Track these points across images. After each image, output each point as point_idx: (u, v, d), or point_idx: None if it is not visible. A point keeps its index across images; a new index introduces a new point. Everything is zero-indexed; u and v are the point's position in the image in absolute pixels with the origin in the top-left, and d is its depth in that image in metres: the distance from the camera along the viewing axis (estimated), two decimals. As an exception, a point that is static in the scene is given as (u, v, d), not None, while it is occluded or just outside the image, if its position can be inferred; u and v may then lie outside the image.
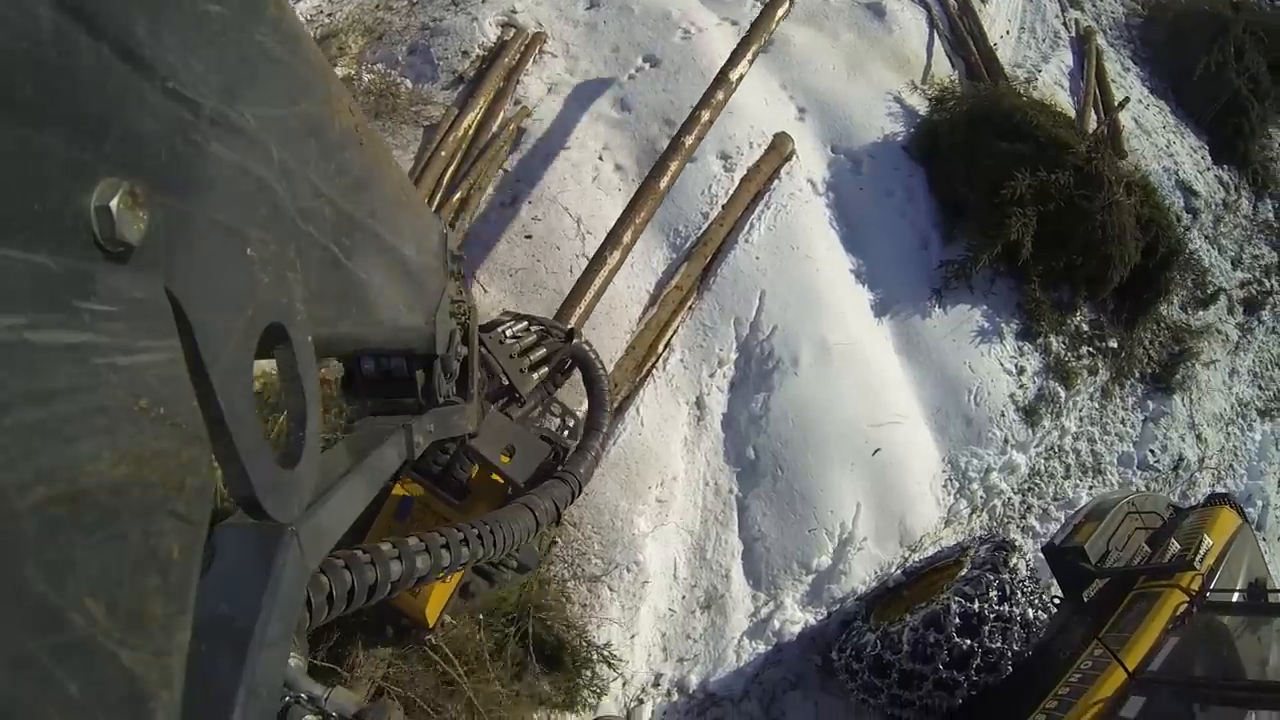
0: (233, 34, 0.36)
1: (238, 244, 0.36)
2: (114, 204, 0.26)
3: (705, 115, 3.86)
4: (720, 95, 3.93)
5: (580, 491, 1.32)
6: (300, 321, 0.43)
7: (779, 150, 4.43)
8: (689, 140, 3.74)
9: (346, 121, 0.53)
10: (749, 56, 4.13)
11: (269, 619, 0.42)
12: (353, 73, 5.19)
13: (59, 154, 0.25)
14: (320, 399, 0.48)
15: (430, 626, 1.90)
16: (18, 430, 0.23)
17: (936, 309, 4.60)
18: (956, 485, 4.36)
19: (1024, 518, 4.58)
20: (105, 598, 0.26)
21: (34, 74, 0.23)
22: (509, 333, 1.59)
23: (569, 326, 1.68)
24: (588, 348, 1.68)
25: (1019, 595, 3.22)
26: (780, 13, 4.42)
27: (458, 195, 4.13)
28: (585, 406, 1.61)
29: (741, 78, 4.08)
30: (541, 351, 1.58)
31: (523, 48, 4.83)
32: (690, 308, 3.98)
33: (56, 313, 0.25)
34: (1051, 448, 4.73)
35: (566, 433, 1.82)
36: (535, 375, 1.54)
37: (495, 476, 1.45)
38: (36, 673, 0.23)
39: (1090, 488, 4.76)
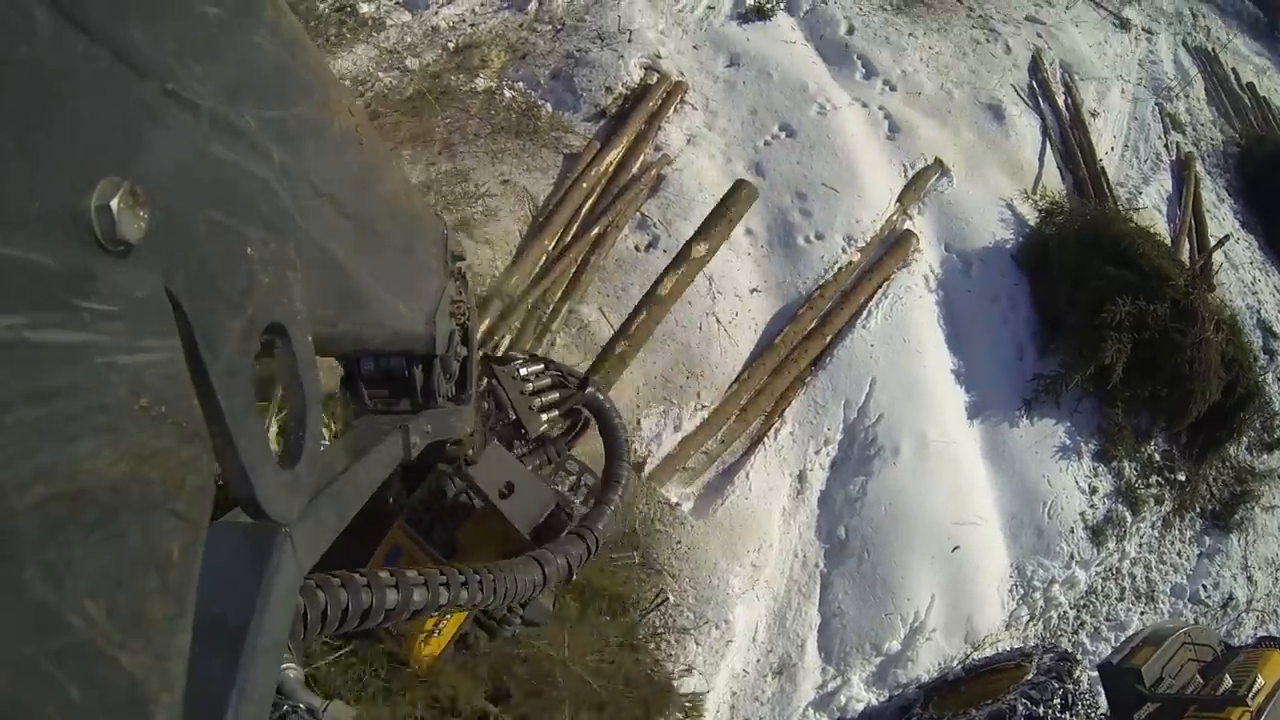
0: (231, 36, 0.37)
1: (238, 244, 0.36)
2: (114, 203, 0.26)
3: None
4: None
5: (597, 549, 1.26)
6: (300, 321, 0.43)
7: (904, 247, 4.58)
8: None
9: (346, 122, 0.53)
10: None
11: (263, 620, 0.42)
12: (494, 86, 5.34)
13: (59, 154, 0.25)
14: (321, 399, 0.48)
15: (421, 671, 1.89)
16: (18, 429, 0.23)
17: (1024, 420, 4.72)
18: (1021, 591, 4.48)
19: (1076, 633, 4.70)
20: (105, 599, 0.26)
21: (32, 76, 0.24)
22: (523, 371, 1.54)
23: (584, 373, 1.63)
24: (603, 396, 1.62)
25: (1079, 706, 3.36)
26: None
27: (595, 231, 4.25)
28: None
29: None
30: (554, 396, 1.54)
31: (665, 94, 4.96)
32: (806, 383, 4.10)
33: (56, 312, 0.25)
34: (1111, 569, 4.85)
35: (583, 491, 1.73)
36: (545, 417, 1.51)
37: (485, 526, 1.39)
38: (36, 676, 0.23)
39: (1141, 613, 4.87)
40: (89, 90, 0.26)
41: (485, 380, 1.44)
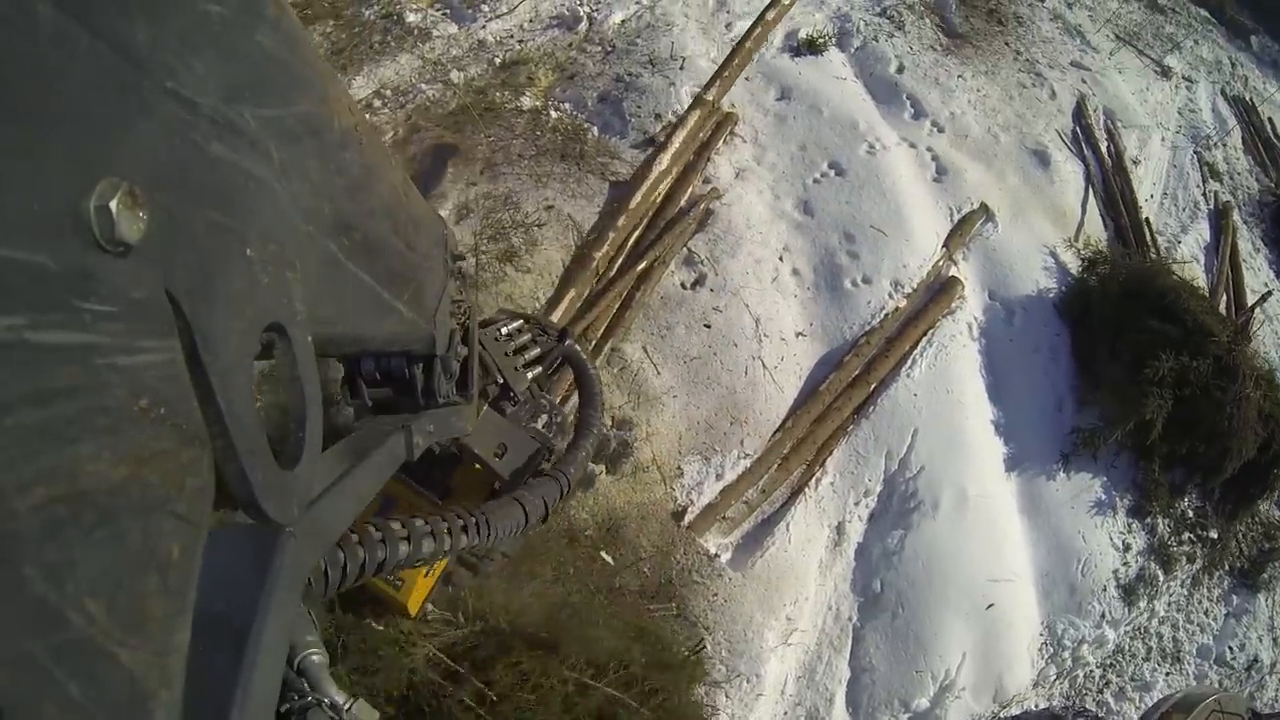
0: (232, 34, 0.37)
1: (237, 244, 0.36)
2: (113, 204, 0.26)
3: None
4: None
5: (571, 490, 1.31)
6: (300, 321, 0.43)
7: (949, 294, 4.52)
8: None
9: (346, 121, 0.53)
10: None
11: (265, 620, 0.42)
12: (540, 105, 5.29)
13: (59, 154, 0.25)
14: (321, 399, 0.48)
15: (412, 615, 1.93)
16: (18, 431, 0.23)
17: (1061, 473, 4.67)
18: (1050, 650, 4.43)
19: (1101, 692, 4.64)
20: (105, 598, 0.26)
21: (34, 74, 0.24)
22: (504, 330, 1.59)
23: (562, 326, 1.70)
24: (579, 348, 1.68)
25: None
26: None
27: (642, 265, 4.20)
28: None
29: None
30: (535, 351, 1.59)
31: (715, 125, 4.91)
32: (849, 432, 4.05)
33: (56, 313, 0.25)
34: (1139, 628, 4.80)
35: (554, 429, 1.78)
36: (529, 374, 1.55)
37: (476, 469, 1.44)
38: (36, 673, 0.23)
39: (1167, 674, 4.82)
40: (90, 88, 0.26)
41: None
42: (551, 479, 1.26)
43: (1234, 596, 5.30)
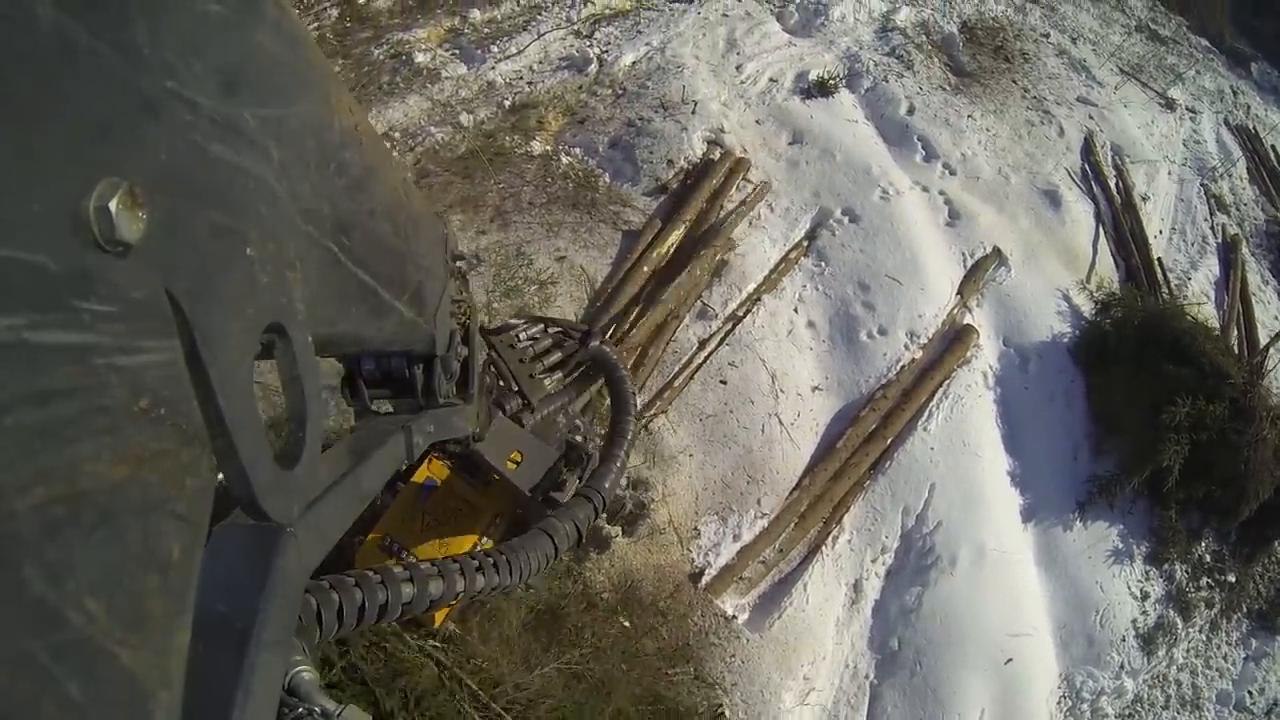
0: (233, 34, 0.37)
1: (237, 244, 0.36)
2: (113, 204, 0.26)
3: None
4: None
5: (605, 508, 1.27)
6: (300, 321, 0.43)
7: (964, 343, 4.50)
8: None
9: (346, 121, 0.53)
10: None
11: (267, 620, 0.42)
12: (550, 150, 5.29)
13: (59, 154, 0.25)
14: (321, 399, 0.48)
15: (435, 628, 1.91)
16: (17, 431, 0.23)
17: (1078, 523, 4.64)
18: (1069, 703, 4.38)
19: (1120, 743, 4.60)
20: (105, 597, 0.26)
21: (33, 74, 0.24)
22: (523, 336, 1.56)
23: (586, 327, 1.64)
24: (608, 349, 1.63)
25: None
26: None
27: (655, 319, 4.18)
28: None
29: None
30: (557, 355, 1.55)
31: (727, 172, 4.90)
32: (865, 489, 4.02)
33: (56, 313, 0.25)
34: (1158, 676, 4.75)
35: (591, 436, 1.74)
36: (547, 380, 1.51)
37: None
38: (35, 672, 0.23)
39: (1185, 723, 4.78)
40: (89, 88, 0.26)
41: (485, 352, 1.43)
42: (584, 498, 1.23)
43: (1253, 639, 5.25)
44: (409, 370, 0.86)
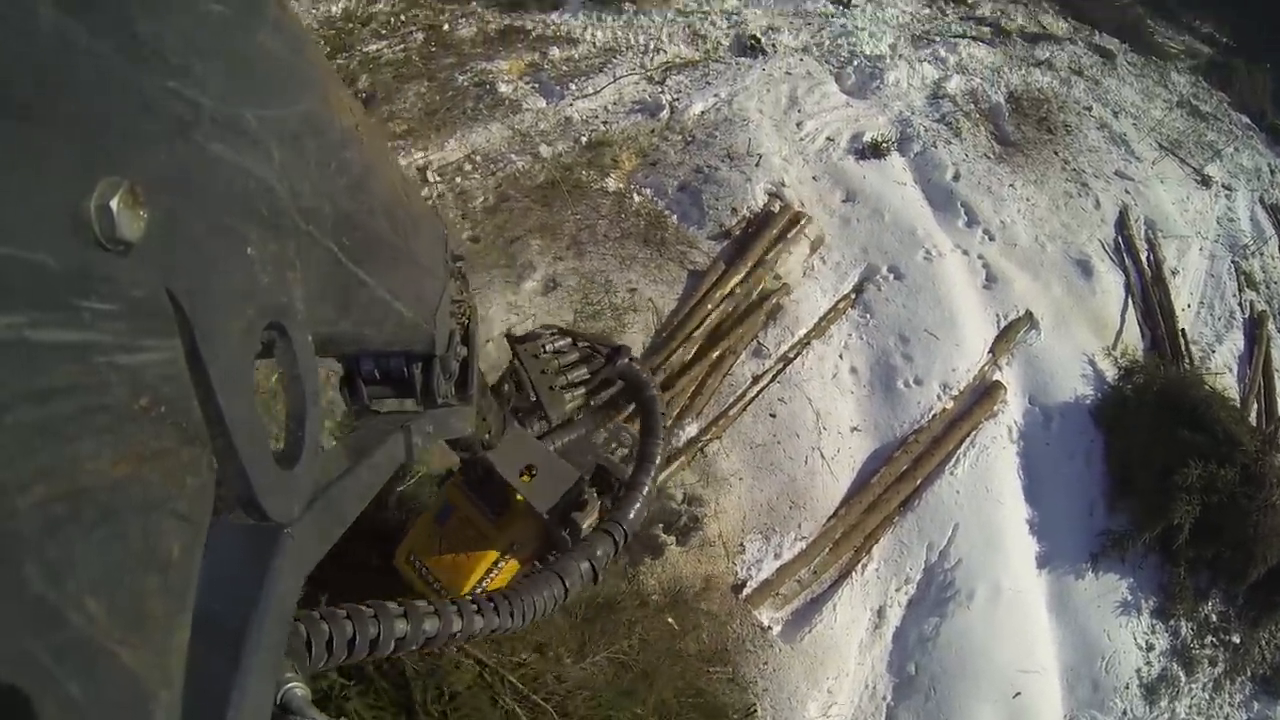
0: (234, 34, 0.37)
1: (238, 243, 0.37)
2: (114, 203, 0.26)
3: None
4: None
5: (627, 541, 1.21)
6: (300, 321, 0.44)
7: (992, 398, 4.90)
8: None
9: (347, 121, 0.54)
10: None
11: (264, 621, 0.43)
12: (623, 188, 5.76)
13: (59, 154, 0.25)
14: (321, 399, 0.49)
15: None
16: (17, 429, 0.23)
17: (1090, 573, 4.98)
18: (1072, 742, 4.71)
19: (1119, 787, 4.90)
20: (105, 597, 0.27)
21: (34, 73, 0.24)
22: (549, 348, 1.47)
23: (617, 344, 1.55)
24: (638, 366, 1.53)
25: None
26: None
27: (715, 353, 4.63)
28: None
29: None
30: (583, 371, 1.47)
31: (787, 223, 5.35)
32: (894, 523, 4.41)
33: (57, 311, 0.25)
34: (1159, 727, 5.06)
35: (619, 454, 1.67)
36: (569, 396, 1.45)
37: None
38: (36, 672, 0.24)
39: (1184, 776, 5.07)
40: (90, 88, 0.26)
41: (510, 360, 1.41)
42: (605, 534, 1.19)
43: (1255, 703, 5.52)
44: (408, 370, 0.86)
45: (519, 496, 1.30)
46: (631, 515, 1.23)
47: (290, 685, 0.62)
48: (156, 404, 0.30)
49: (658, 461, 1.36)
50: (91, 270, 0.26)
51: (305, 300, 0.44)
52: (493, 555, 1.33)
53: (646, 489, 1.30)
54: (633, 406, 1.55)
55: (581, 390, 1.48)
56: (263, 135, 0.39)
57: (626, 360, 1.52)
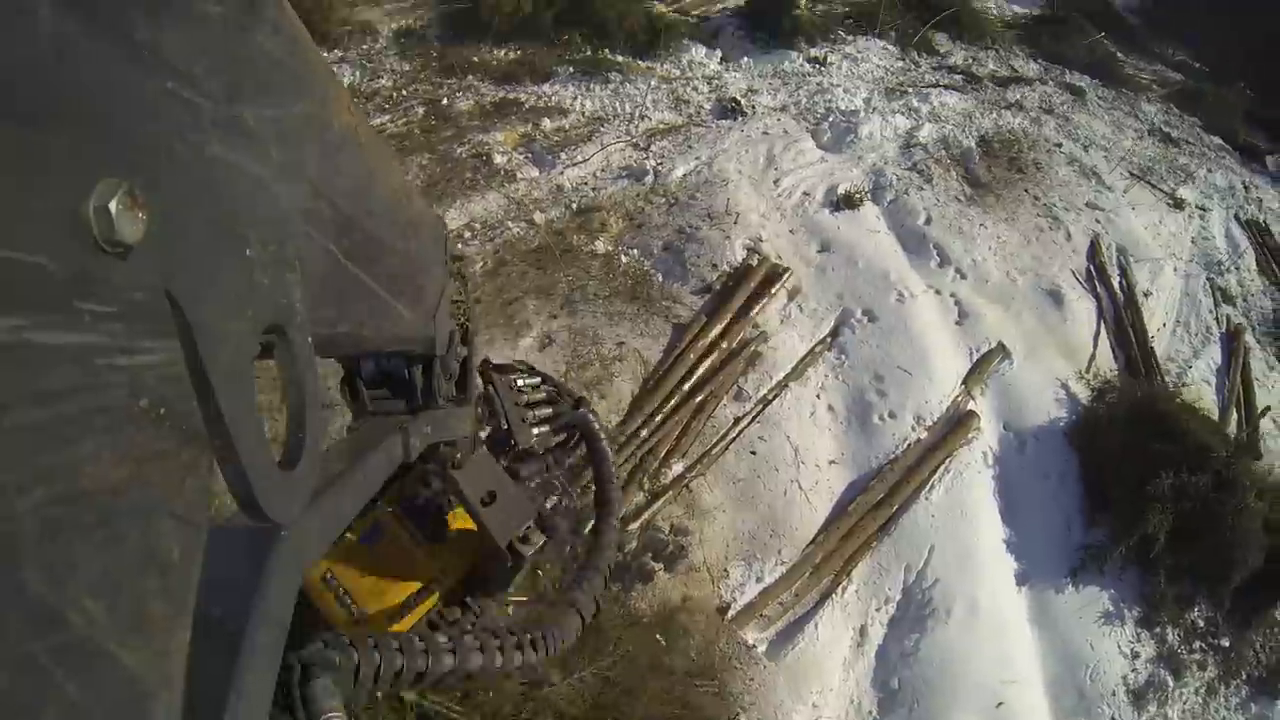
0: (233, 35, 0.37)
1: (237, 245, 0.37)
2: (113, 204, 0.26)
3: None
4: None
5: (611, 575, 1.26)
6: (300, 322, 0.44)
7: (966, 427, 5.27)
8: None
9: (346, 121, 0.54)
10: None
11: (261, 622, 0.43)
12: (611, 250, 6.29)
13: (58, 154, 0.25)
14: (320, 399, 0.49)
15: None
16: (17, 431, 0.23)
17: (1070, 587, 5.26)
18: (1061, 750, 4.94)
19: (1112, 794, 5.09)
20: (105, 598, 0.27)
21: (33, 74, 0.24)
22: (520, 382, 1.54)
23: (580, 395, 1.62)
24: (594, 418, 1.59)
25: None
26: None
27: (698, 399, 5.09)
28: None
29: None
30: (548, 410, 1.54)
31: (765, 277, 5.83)
32: (873, 548, 4.78)
33: (56, 314, 0.25)
34: (1153, 735, 5.25)
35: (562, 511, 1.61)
36: (535, 431, 1.49)
37: (464, 525, 1.29)
38: (36, 673, 0.24)
39: (1183, 782, 5.24)
40: (89, 89, 0.26)
41: (484, 385, 1.45)
42: (594, 570, 1.23)
43: (1253, 704, 5.65)
44: (408, 371, 0.87)
45: (457, 525, 1.29)
46: (609, 553, 1.30)
47: (328, 716, 0.60)
48: (156, 405, 0.30)
49: (616, 506, 1.43)
50: (91, 272, 0.26)
51: (305, 301, 0.44)
52: (417, 584, 1.25)
53: (613, 529, 1.37)
54: (579, 453, 1.61)
55: (545, 428, 1.52)
56: (262, 136, 0.39)
57: (585, 411, 1.59)
